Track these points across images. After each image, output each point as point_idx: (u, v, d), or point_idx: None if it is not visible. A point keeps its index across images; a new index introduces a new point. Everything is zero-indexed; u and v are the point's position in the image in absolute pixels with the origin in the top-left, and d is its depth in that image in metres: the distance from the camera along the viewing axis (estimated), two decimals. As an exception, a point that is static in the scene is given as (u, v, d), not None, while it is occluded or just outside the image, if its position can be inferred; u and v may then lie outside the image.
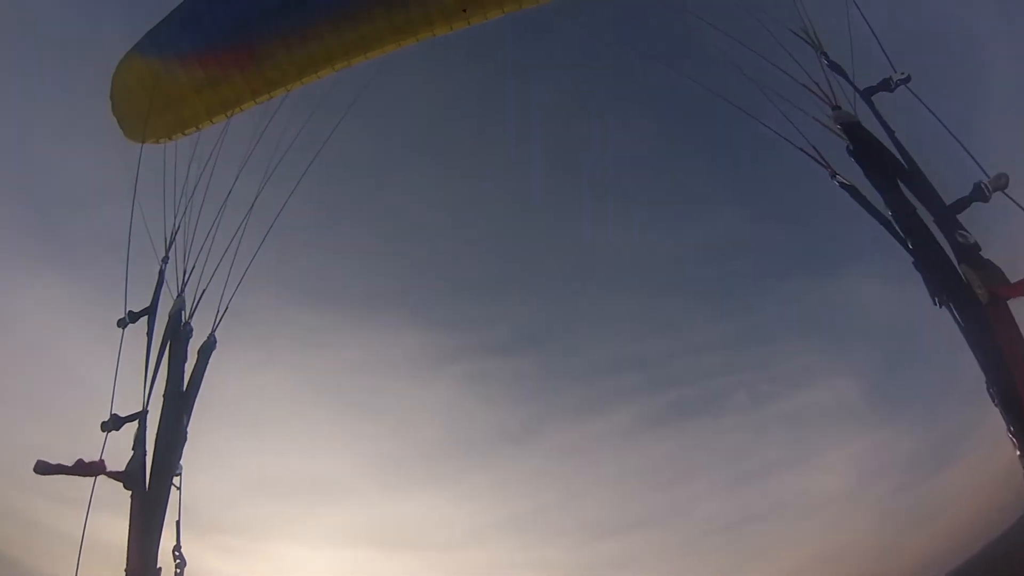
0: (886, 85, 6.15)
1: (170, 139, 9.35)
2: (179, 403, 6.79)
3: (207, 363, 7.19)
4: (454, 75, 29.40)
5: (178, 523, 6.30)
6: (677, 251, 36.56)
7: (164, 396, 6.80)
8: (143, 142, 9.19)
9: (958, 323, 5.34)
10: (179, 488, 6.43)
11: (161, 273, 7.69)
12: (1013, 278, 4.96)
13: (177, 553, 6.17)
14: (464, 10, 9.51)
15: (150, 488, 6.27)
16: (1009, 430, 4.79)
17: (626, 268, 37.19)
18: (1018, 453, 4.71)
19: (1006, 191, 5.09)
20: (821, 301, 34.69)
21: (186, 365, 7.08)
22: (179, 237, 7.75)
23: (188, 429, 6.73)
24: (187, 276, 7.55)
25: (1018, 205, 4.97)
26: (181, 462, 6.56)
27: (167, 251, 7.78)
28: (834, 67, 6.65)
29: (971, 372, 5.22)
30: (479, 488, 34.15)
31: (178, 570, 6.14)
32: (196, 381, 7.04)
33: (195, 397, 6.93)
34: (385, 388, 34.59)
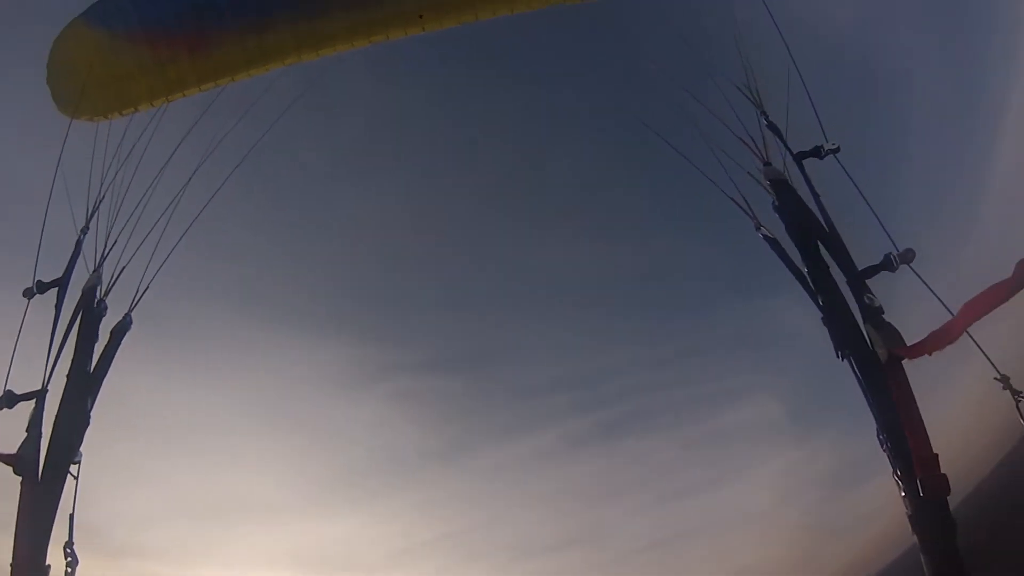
0: (817, 152, 6.63)
1: (105, 117, 8.76)
2: (84, 385, 6.35)
3: (119, 345, 6.77)
4: (398, 86, 28.84)
5: (72, 517, 5.81)
6: (610, 272, 37.22)
7: (68, 376, 6.33)
8: (75, 117, 8.59)
9: (856, 377, 5.86)
10: (76, 477, 5.94)
11: (79, 243, 7.16)
12: (910, 341, 5.47)
13: (69, 550, 5.65)
14: (421, 16, 9.56)
15: (44, 475, 5.79)
16: (895, 474, 5.31)
17: (558, 287, 37.56)
18: (902, 494, 5.23)
19: (911, 265, 5.67)
20: (749, 324, 35.54)
21: (96, 345, 6.64)
22: (103, 207, 7.28)
23: (92, 413, 6.27)
24: (107, 250, 7.11)
25: (920, 279, 5.54)
26: (81, 449, 6.08)
27: (88, 221, 7.28)
28: (772, 127, 7.13)
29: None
30: (407, 508, 33.51)
31: (69, 569, 5.61)
32: (105, 363, 6.60)
33: (102, 380, 6.49)
34: (312, 404, 33.36)
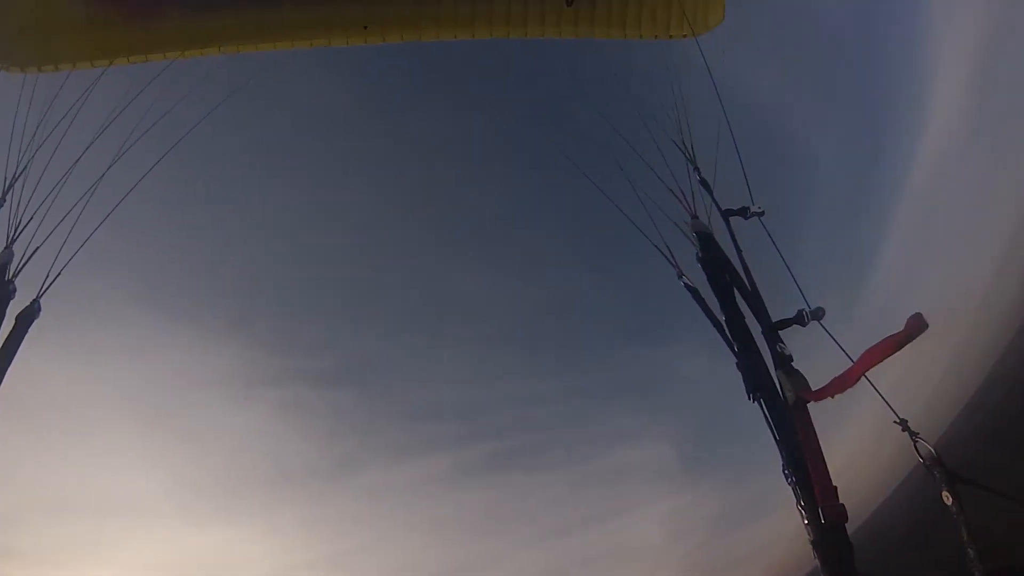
0: (743, 212, 7.33)
1: (23, 70, 8.13)
2: (-15, 370, 5.75)
3: (26, 332, 6.19)
4: (331, 88, 28.03)
5: None
6: (515, 305, 37.37)
7: None
8: None
9: (766, 417, 6.50)
10: None
11: None
12: (815, 386, 6.17)
13: None
14: (365, 28, 9.70)
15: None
16: (799, 504, 5.93)
17: (461, 314, 37.23)
18: (805, 522, 5.83)
19: (821, 322, 6.39)
20: (644, 369, 36.39)
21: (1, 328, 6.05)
22: (20, 182, 6.66)
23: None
24: (21, 227, 6.51)
25: (829, 334, 6.29)
26: None
27: (3, 194, 6.64)
28: (703, 183, 7.83)
29: (771, 452, 6.40)
30: (288, 524, 31.25)
31: None
32: (10, 350, 6.01)
33: (7, 368, 5.89)
34: (196, 404, 30.60)
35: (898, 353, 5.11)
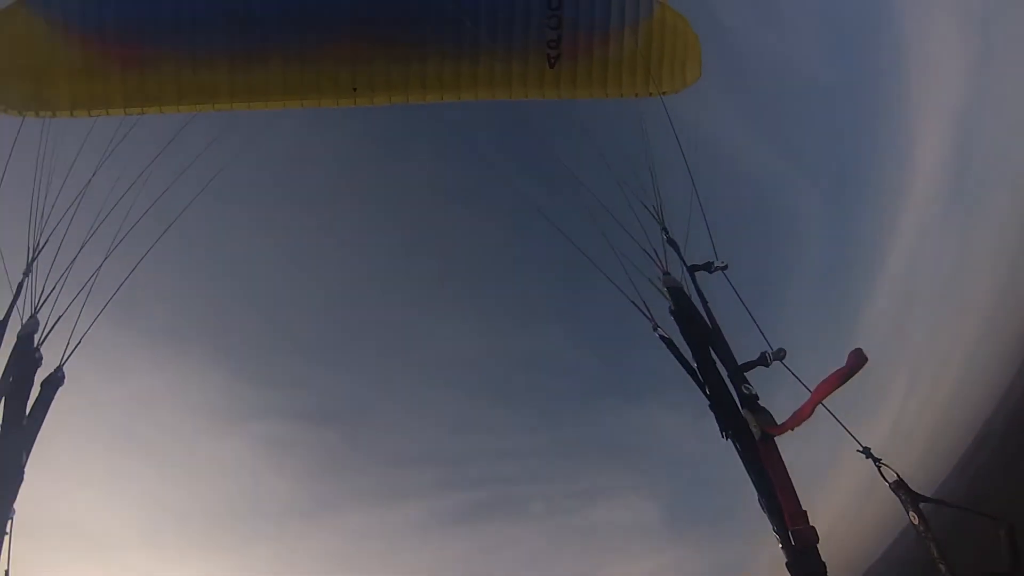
0: (708, 267, 8.06)
1: (20, 113, 8.37)
2: (18, 438, 6.05)
3: (52, 399, 6.49)
4: (324, 129, 28.51)
5: (7, 573, 5.51)
6: (500, 358, 37.40)
7: (2, 427, 6.04)
8: None
9: (738, 451, 7.14)
10: (9, 534, 5.62)
11: (20, 287, 6.83)
12: (780, 420, 6.83)
13: None
14: (354, 89, 10.18)
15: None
16: (773, 529, 6.52)
17: (448, 363, 37.03)
18: (779, 546, 6.39)
19: (783, 361, 7.09)
20: (626, 425, 37.34)
21: (30, 396, 6.34)
22: (43, 253, 6.99)
23: (26, 469, 5.97)
24: (44, 297, 6.82)
25: (791, 372, 6.98)
26: (15, 506, 5.78)
27: (29, 264, 6.96)
28: (671, 243, 8.56)
29: (752, 507, 6.90)
30: (263, 560, 30.36)
31: None
32: (39, 416, 6.32)
33: (36, 434, 6.20)
34: (173, 433, 29.37)
35: (844, 386, 5.70)
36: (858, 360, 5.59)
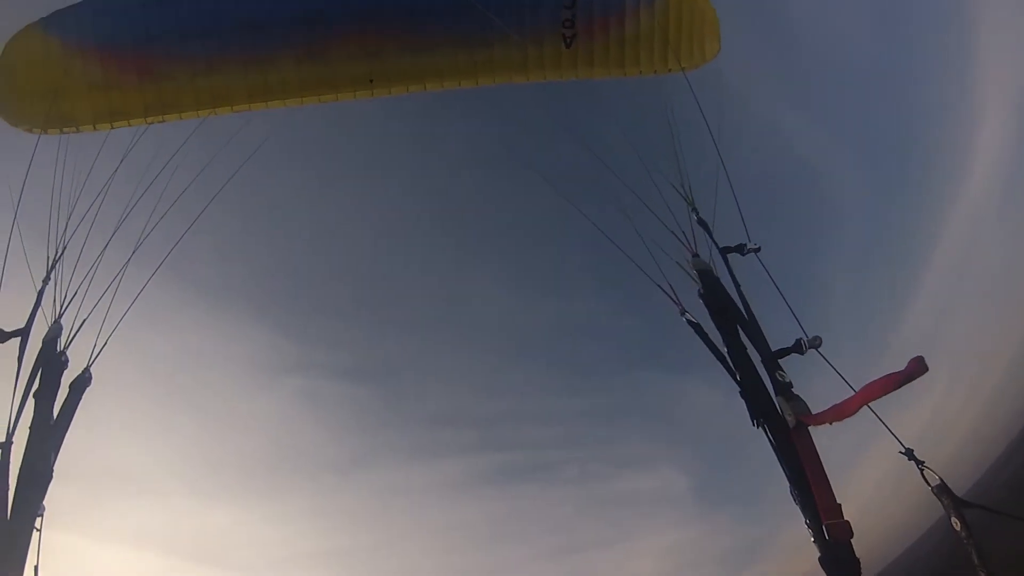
0: (740, 249, 7.72)
1: (44, 131, 8.55)
2: (46, 439, 6.25)
3: (79, 400, 6.70)
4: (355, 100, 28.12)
5: (36, 568, 5.70)
6: (537, 321, 37.31)
7: (31, 428, 6.24)
8: (14, 125, 8.34)
9: (770, 441, 6.82)
10: (39, 530, 5.86)
11: (40, 294, 7.03)
12: (815, 410, 6.53)
13: None
14: (371, 81, 10.05)
15: (10, 528, 5.71)
16: (806, 522, 6.27)
17: (485, 325, 37.09)
18: (812, 539, 6.16)
19: (819, 349, 6.73)
20: (663, 397, 36.99)
21: (57, 398, 6.52)
22: (64, 258, 7.16)
23: (55, 468, 6.16)
24: (67, 302, 6.99)
25: (826, 360, 6.66)
26: (44, 503, 6.01)
27: (49, 271, 7.14)
28: (701, 223, 8.22)
29: (780, 487, 6.72)
30: (296, 513, 31.39)
31: None
32: (66, 417, 6.54)
33: (64, 434, 6.40)
34: (214, 383, 30.54)
35: (897, 391, 5.41)
36: (918, 368, 5.28)
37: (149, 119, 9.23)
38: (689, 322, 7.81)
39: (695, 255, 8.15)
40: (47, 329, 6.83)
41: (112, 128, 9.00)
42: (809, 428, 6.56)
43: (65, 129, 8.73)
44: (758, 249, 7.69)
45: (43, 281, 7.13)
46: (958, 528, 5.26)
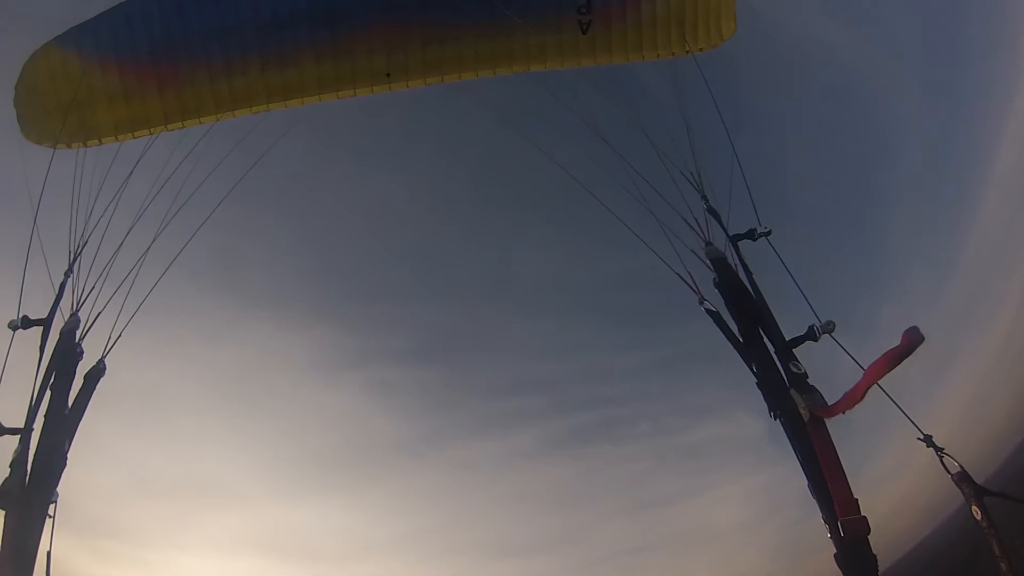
0: (751, 235, 7.55)
1: (68, 146, 8.85)
2: (61, 426, 6.44)
3: (93, 390, 6.88)
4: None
5: (49, 554, 5.84)
6: (593, 278, 36.92)
7: (46, 416, 6.43)
8: (38, 143, 8.66)
9: (787, 433, 6.61)
10: (53, 517, 6.01)
11: (62, 286, 7.28)
12: (831, 401, 6.24)
13: None
14: (388, 75, 10.12)
15: (24, 514, 5.84)
16: (822, 519, 6.02)
17: (540, 289, 36.99)
18: (828, 535, 5.91)
19: (832, 334, 6.51)
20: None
21: (72, 388, 6.74)
22: (84, 252, 7.42)
23: (68, 455, 6.36)
24: (85, 295, 7.24)
25: (841, 347, 6.40)
26: (58, 489, 6.17)
27: (71, 264, 7.40)
28: (712, 211, 8.04)
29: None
30: (375, 500, 32.56)
31: None
32: (81, 406, 6.72)
33: (78, 423, 6.59)
34: (284, 388, 31.83)
35: (899, 367, 5.12)
36: (913, 339, 5.02)
37: (171, 126, 9.47)
38: (708, 311, 7.65)
39: (708, 243, 7.96)
40: (64, 322, 7.06)
41: (134, 137, 9.26)
42: (825, 421, 6.28)
43: (88, 143, 9.00)
44: (768, 232, 7.51)
45: (65, 273, 7.37)
46: (979, 517, 5.06)
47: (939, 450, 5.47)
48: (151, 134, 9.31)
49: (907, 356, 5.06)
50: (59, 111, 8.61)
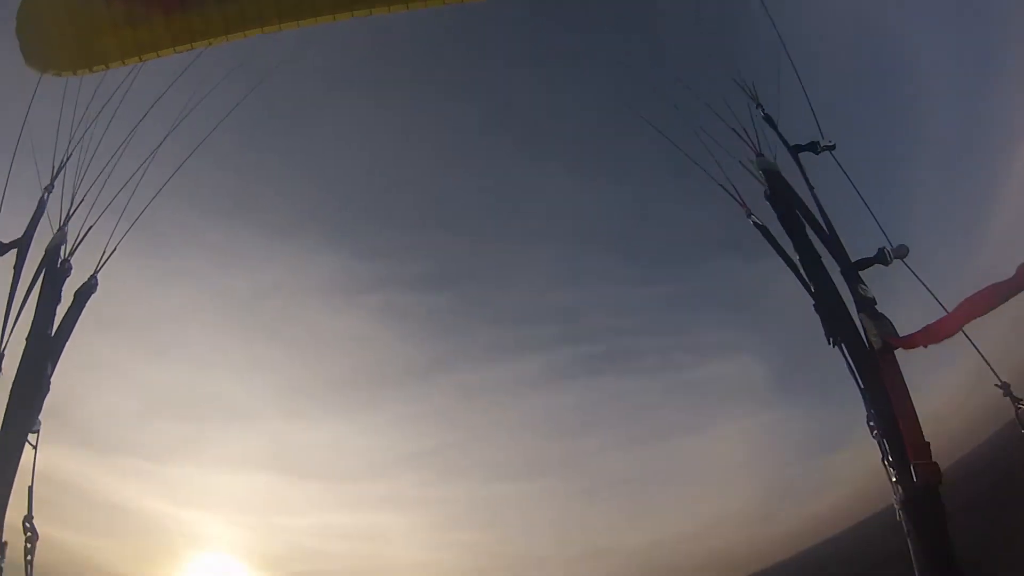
0: (813, 147, 6.74)
1: (74, 73, 8.25)
2: (44, 349, 5.92)
3: (83, 308, 6.36)
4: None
5: (31, 489, 5.36)
6: (605, 211, 36.47)
7: (27, 339, 5.89)
8: (43, 71, 8.08)
9: (848, 363, 5.91)
10: (35, 447, 5.49)
11: (42, 202, 6.70)
12: (902, 332, 5.54)
13: (28, 524, 5.20)
14: None
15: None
16: (885, 460, 5.35)
17: (552, 217, 36.73)
18: (893, 479, 5.25)
19: (904, 260, 5.79)
20: (744, 282, 36.18)
21: (59, 307, 6.21)
22: (71, 164, 6.83)
23: (52, 380, 5.83)
24: (73, 209, 6.67)
25: (913, 273, 5.66)
26: (40, 417, 5.62)
27: (53, 178, 6.81)
28: (767, 119, 7.18)
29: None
30: (384, 422, 33.37)
31: (28, 544, 5.16)
32: (68, 326, 6.19)
33: (64, 344, 6.07)
34: (297, 313, 32.42)
35: (1004, 304, 4.41)
36: None
37: (178, 49, 8.86)
38: (756, 224, 7.02)
39: (759, 154, 7.14)
40: (49, 237, 6.51)
41: (141, 62, 8.67)
42: (896, 352, 5.56)
43: (94, 69, 8.45)
44: (833, 146, 6.71)
45: (45, 189, 6.77)
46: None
47: (1018, 401, 4.75)
48: (158, 57, 8.71)
49: (1017, 293, 4.30)
50: (64, 40, 8.05)
